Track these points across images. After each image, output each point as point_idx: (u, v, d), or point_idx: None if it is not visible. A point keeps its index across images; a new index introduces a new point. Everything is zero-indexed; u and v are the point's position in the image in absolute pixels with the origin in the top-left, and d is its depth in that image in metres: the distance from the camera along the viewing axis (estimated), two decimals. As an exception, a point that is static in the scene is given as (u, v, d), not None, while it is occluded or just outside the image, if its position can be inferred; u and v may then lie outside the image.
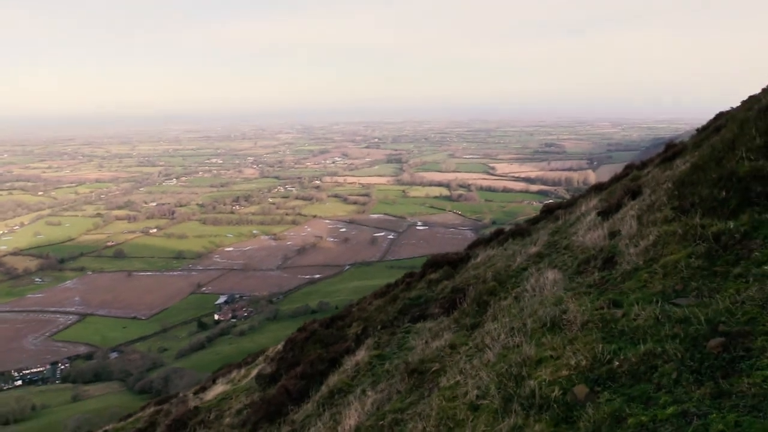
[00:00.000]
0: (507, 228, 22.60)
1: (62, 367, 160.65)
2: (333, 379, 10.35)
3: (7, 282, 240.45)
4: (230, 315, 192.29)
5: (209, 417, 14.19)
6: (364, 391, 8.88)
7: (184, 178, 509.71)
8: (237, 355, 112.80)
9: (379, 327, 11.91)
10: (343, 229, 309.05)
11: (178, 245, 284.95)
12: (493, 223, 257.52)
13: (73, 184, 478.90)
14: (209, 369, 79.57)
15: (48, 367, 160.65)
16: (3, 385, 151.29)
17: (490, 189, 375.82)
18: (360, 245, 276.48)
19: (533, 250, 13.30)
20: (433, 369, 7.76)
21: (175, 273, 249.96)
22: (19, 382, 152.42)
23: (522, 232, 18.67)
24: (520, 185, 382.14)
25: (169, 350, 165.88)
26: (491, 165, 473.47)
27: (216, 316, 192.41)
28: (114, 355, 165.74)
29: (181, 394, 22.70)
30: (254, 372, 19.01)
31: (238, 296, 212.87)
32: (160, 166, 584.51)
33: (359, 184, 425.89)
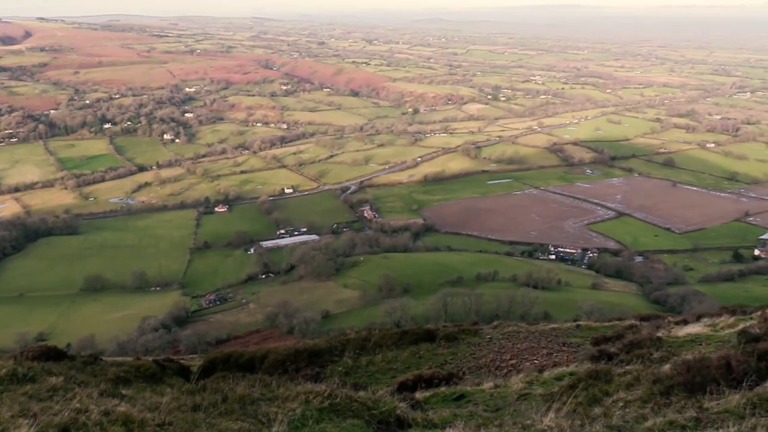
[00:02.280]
0: None
1: (591, 255, 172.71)
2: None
3: (562, 167, 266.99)
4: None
5: (652, 354, 12.27)
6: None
7: (760, 93, 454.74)
8: (767, 299, 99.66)
9: None
10: None
11: (734, 166, 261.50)
12: None
13: (640, 86, 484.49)
14: (730, 303, 72.59)
15: (579, 251, 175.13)
16: (540, 255, 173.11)
17: None
18: None
19: None
20: None
21: (722, 194, 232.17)
22: (553, 257, 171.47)
23: None
24: None
25: (695, 271, 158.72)
26: None
27: (756, 251, 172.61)
28: (639, 258, 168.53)
29: (666, 319, 20.88)
30: (742, 325, 15.62)
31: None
32: (736, 76, 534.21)
33: None
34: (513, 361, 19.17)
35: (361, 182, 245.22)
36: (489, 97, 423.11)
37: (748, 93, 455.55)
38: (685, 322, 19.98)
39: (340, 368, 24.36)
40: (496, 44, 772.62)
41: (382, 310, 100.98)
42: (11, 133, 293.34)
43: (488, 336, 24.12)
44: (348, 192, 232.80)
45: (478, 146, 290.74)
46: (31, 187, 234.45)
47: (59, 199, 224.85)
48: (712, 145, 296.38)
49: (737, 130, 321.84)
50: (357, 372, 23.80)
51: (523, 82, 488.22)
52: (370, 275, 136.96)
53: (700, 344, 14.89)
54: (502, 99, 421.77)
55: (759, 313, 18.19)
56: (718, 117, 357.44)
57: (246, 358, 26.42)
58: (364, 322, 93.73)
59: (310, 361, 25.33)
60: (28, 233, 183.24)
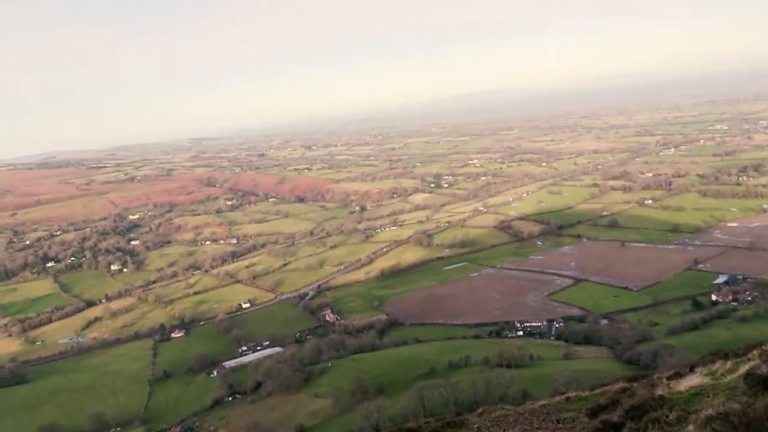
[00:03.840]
0: None
1: (557, 325, 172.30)
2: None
3: (514, 243, 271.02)
4: (730, 297, 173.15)
5: (668, 416, 11.46)
6: None
7: (683, 147, 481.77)
8: (734, 343, 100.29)
9: None
10: None
11: (674, 218, 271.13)
12: None
13: (573, 156, 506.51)
14: (700, 352, 72.76)
15: (545, 323, 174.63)
16: (508, 333, 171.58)
17: None
18: None
19: None
20: None
21: (669, 246, 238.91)
22: (521, 333, 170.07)
23: None
24: None
25: (660, 325, 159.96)
26: None
27: (713, 297, 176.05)
28: (604, 321, 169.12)
29: (655, 376, 20.16)
30: (743, 368, 15.07)
31: (741, 277, 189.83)
32: (658, 135, 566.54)
33: None
34: (509, 450, 17.83)
35: (319, 286, 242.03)
36: (432, 185, 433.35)
37: (672, 149, 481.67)
38: (679, 375, 19.22)
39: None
40: (430, 134, 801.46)
41: (358, 415, 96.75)
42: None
43: (476, 425, 22.64)
44: (306, 298, 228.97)
45: (429, 234, 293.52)
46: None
47: (3, 347, 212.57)
48: (650, 201, 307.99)
49: (670, 184, 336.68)
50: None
51: (463, 166, 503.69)
52: (340, 380, 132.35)
53: (708, 396, 14.08)
54: (445, 185, 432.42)
55: (757, 351, 17.64)
56: (650, 174, 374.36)
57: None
58: (341, 430, 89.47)
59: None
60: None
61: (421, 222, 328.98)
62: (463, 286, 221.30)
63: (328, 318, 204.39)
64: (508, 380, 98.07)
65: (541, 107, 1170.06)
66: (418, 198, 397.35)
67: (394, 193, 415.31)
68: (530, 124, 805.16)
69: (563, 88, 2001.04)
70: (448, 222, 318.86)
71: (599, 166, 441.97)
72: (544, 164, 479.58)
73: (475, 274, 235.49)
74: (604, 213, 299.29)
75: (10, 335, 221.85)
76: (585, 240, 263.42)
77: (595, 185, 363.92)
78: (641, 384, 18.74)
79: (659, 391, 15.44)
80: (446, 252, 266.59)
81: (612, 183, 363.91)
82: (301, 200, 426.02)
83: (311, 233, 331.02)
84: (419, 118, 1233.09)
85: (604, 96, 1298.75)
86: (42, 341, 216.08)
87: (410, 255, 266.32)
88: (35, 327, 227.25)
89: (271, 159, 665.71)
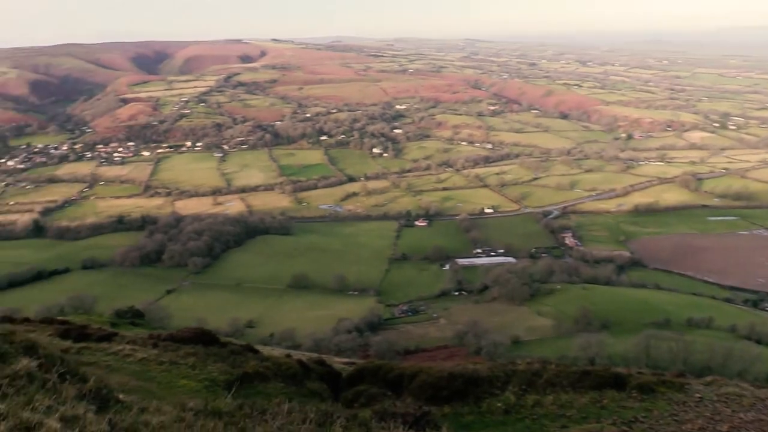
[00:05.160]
0: None
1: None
2: None
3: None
4: None
5: None
6: None
7: None
8: None
9: None
10: None
11: None
12: None
13: None
14: None
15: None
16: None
17: None
18: None
19: None
20: None
21: None
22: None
23: None
24: None
25: None
26: None
27: None
28: None
29: None
30: None
31: None
32: None
33: None
34: (732, 437, 15.94)
35: (565, 207, 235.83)
36: (715, 124, 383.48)
37: None
38: None
39: (499, 404, 21.75)
40: (727, 67, 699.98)
41: (576, 343, 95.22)
42: (243, 140, 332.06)
43: (698, 394, 20.52)
44: (549, 217, 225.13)
45: (699, 178, 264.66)
46: (254, 189, 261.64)
47: (277, 201, 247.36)
48: None
49: None
50: (520, 412, 20.90)
51: (759, 109, 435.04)
52: (566, 305, 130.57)
53: None
54: (732, 127, 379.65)
55: None
56: None
57: (395, 374, 25.50)
58: (555, 353, 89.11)
59: (465, 390, 23.03)
60: (248, 230, 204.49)
61: (692, 163, 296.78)
62: (725, 242, 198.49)
63: (567, 241, 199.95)
64: (754, 357, 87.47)
65: None
66: (696, 136, 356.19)
67: (668, 126, 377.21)
68: None
69: None
70: (725, 168, 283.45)
71: None
72: None
73: (744, 232, 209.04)
74: None
75: (283, 192, 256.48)
76: None
77: None
78: None
79: None
80: (715, 201, 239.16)
81: None
82: (565, 117, 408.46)
83: (568, 152, 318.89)
84: (717, 46, 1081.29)
85: None
86: (307, 203, 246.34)
87: (672, 196, 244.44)
88: (303, 190, 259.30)
89: (541, 70, 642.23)
